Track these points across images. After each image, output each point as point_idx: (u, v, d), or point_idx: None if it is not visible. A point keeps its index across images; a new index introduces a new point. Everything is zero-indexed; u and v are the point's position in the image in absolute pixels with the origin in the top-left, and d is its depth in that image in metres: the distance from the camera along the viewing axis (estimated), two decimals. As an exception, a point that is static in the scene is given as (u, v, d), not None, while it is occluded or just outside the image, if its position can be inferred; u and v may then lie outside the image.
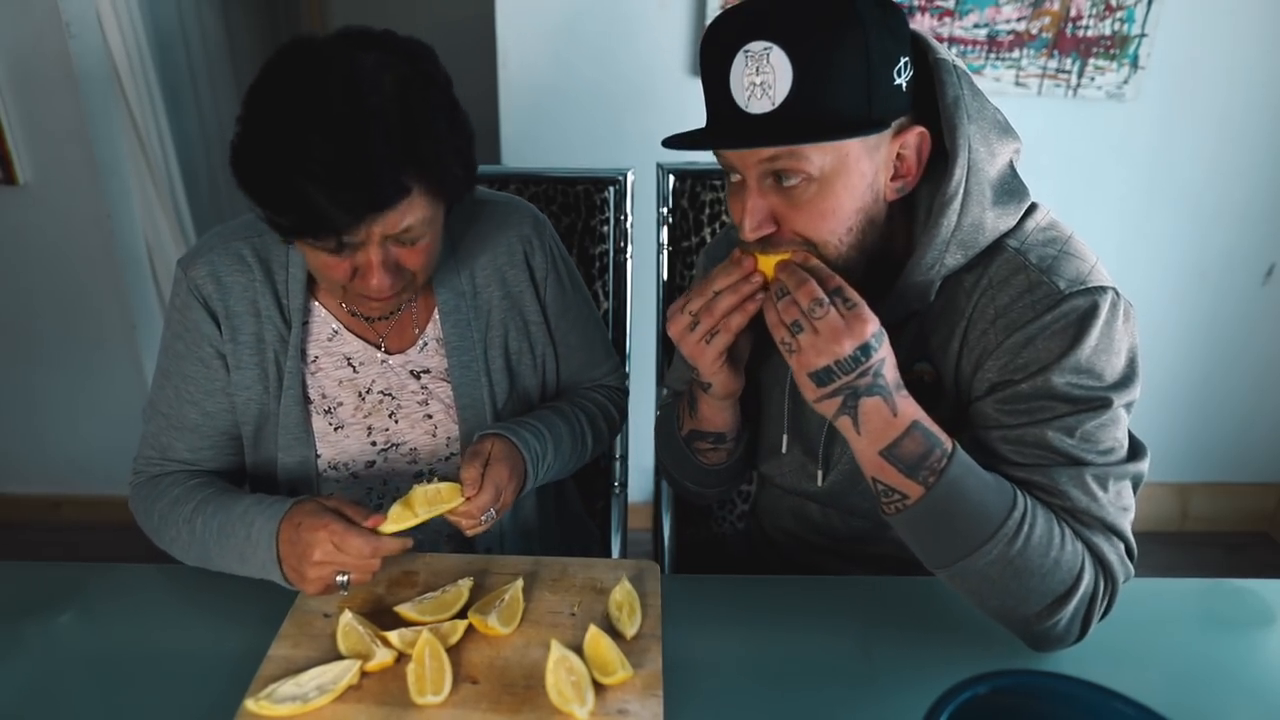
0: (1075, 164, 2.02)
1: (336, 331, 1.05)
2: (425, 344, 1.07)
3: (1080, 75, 1.89)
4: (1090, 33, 1.86)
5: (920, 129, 0.82)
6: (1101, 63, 1.88)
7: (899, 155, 0.83)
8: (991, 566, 0.79)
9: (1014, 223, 0.87)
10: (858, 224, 0.83)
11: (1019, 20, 1.84)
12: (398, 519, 0.88)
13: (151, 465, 1.05)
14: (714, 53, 0.78)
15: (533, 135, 1.99)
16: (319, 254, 0.88)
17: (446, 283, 1.06)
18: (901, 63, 0.78)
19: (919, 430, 0.79)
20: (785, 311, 0.80)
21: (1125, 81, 1.90)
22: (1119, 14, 1.84)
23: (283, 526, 0.89)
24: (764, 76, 0.75)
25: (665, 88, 1.94)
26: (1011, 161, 0.88)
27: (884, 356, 0.79)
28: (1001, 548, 0.79)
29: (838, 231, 0.83)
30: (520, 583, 0.92)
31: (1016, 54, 1.87)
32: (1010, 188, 0.87)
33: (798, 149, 0.78)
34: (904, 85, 0.79)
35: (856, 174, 0.81)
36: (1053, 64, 1.88)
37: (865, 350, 0.77)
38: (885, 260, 0.88)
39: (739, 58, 0.76)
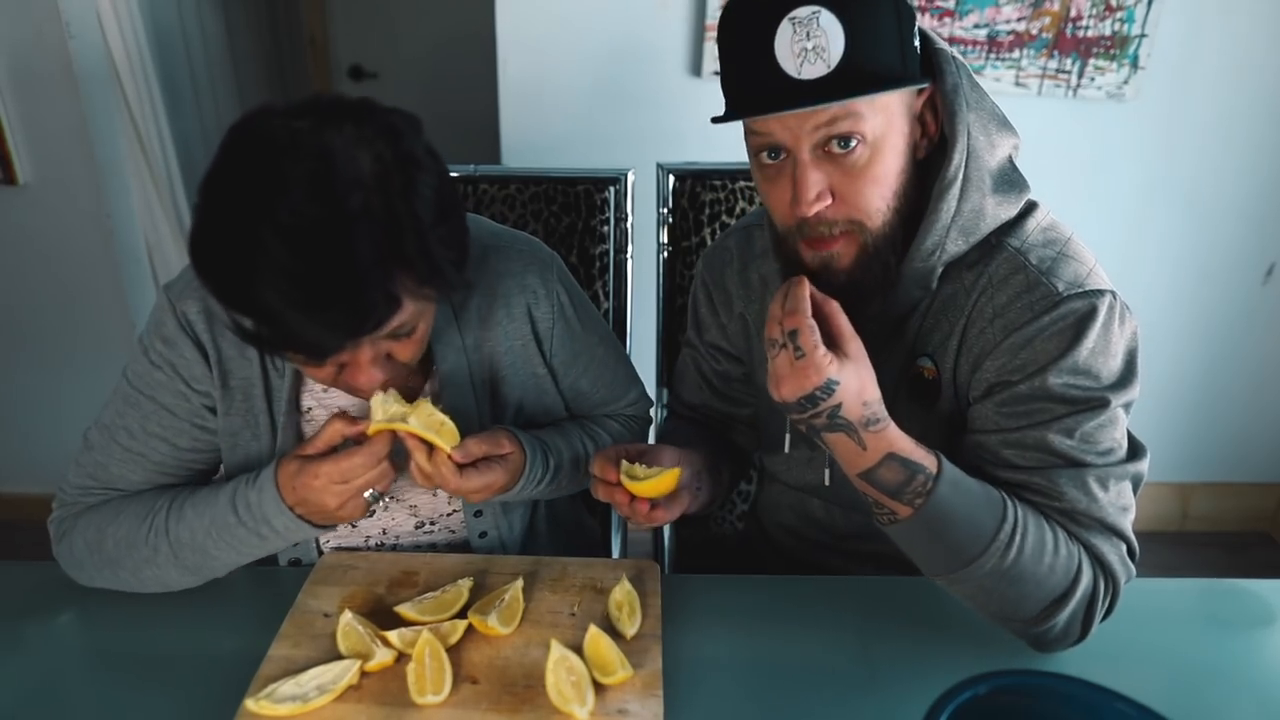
0: (1075, 164, 2.02)
1: None
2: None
3: (1080, 75, 1.89)
4: (1090, 33, 1.86)
5: (929, 88, 0.84)
6: (1101, 63, 1.88)
7: (920, 118, 0.84)
8: (986, 578, 0.80)
9: (1014, 212, 0.87)
10: (899, 187, 0.84)
11: (1019, 20, 1.84)
12: (384, 412, 0.84)
13: (88, 496, 0.95)
14: (750, 24, 0.78)
15: (533, 135, 1.99)
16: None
17: (444, 339, 0.99)
18: (915, 26, 0.80)
19: (895, 461, 0.79)
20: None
21: (1125, 81, 1.90)
22: (1119, 14, 1.84)
23: (283, 494, 0.86)
24: (815, 40, 0.75)
25: (665, 88, 1.94)
26: (1011, 156, 0.88)
27: (839, 401, 0.77)
28: (995, 561, 0.79)
29: (886, 196, 0.83)
30: (520, 583, 0.92)
31: (1016, 54, 1.87)
32: (1010, 179, 0.88)
33: (855, 109, 0.78)
34: (918, 48, 0.81)
35: (898, 134, 0.82)
36: (1053, 64, 1.88)
37: (811, 400, 0.77)
38: (916, 212, 0.88)
39: (784, 26, 0.75)
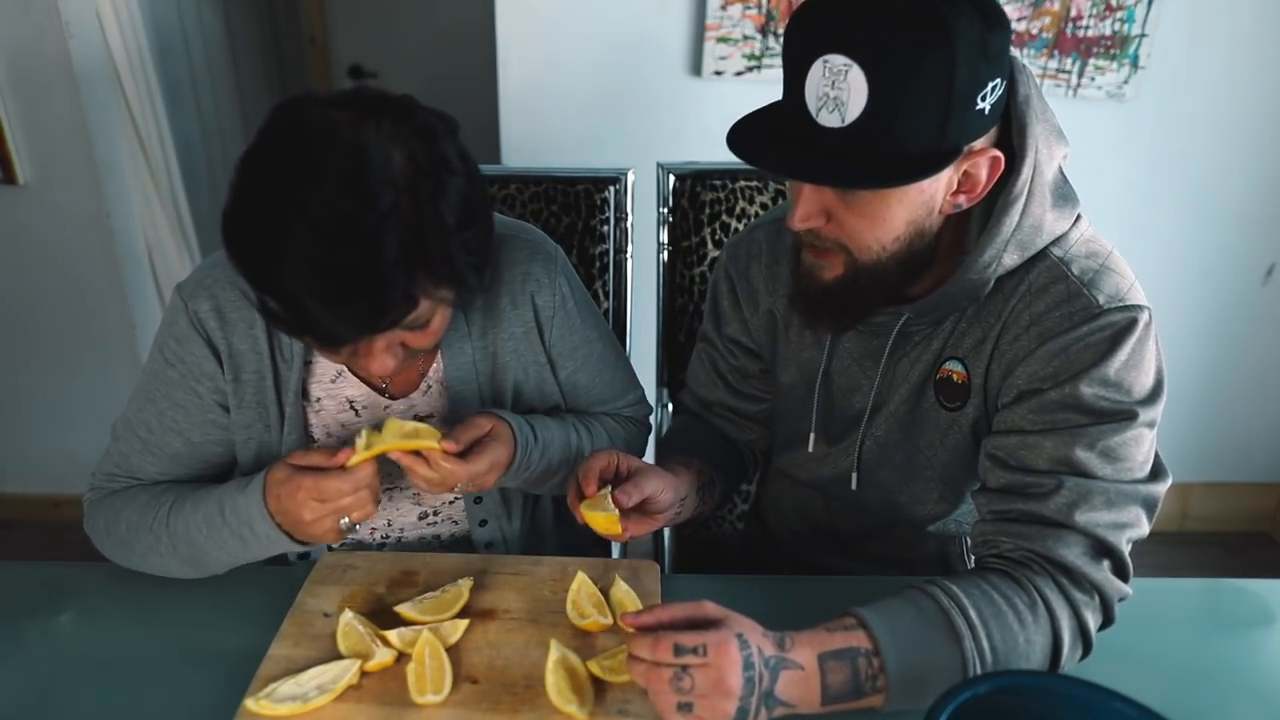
0: (1075, 164, 2.00)
1: (340, 373, 1.00)
2: (429, 387, 1.03)
3: (1080, 75, 1.89)
4: (1090, 33, 1.86)
5: (995, 153, 0.79)
6: (1101, 63, 1.88)
7: (965, 173, 0.80)
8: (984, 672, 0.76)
9: (1068, 226, 0.86)
10: (906, 235, 0.82)
11: (1019, 20, 1.84)
12: (366, 447, 0.85)
13: (113, 482, 1.00)
14: (795, 48, 0.76)
15: (533, 135, 1.99)
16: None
17: (450, 324, 0.96)
18: (990, 86, 0.75)
19: (829, 660, 0.74)
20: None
21: (1125, 81, 1.90)
22: (1119, 14, 1.84)
23: (267, 499, 0.87)
24: (839, 92, 0.72)
25: (665, 88, 1.94)
26: (1061, 167, 0.87)
27: (753, 675, 0.71)
28: (977, 667, 0.75)
29: (883, 240, 0.82)
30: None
31: (1017, 54, 1.87)
32: (1063, 191, 0.87)
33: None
34: (988, 108, 0.76)
35: (915, 190, 0.79)
36: (1053, 64, 1.88)
37: (741, 713, 0.71)
38: (926, 261, 0.87)
39: (817, 65, 0.73)
